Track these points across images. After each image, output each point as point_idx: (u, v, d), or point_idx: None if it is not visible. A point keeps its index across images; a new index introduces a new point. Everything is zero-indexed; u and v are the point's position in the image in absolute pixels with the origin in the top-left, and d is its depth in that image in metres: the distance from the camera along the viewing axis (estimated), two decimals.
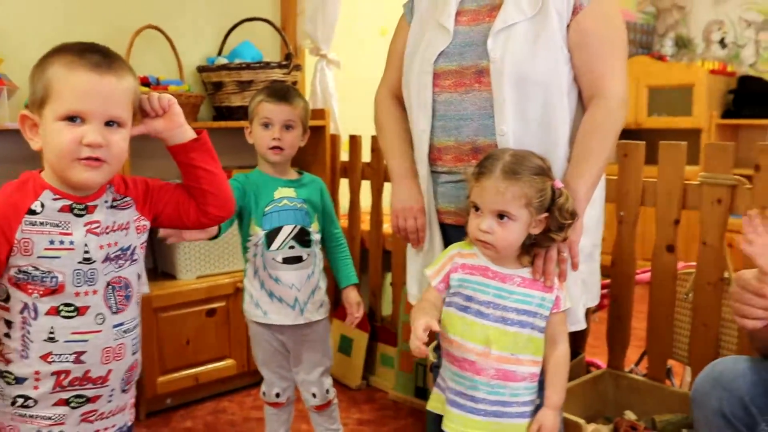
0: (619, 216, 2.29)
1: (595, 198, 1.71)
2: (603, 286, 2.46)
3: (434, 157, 1.77)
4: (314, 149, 3.18)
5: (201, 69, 3.11)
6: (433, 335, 1.59)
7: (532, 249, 1.57)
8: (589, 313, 2.43)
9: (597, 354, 2.83)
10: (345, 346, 3.17)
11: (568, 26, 1.66)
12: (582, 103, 1.70)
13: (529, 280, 1.57)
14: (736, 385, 1.49)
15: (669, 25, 5.59)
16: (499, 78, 1.65)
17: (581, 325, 1.76)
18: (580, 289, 1.74)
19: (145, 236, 1.45)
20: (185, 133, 1.44)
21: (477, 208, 1.54)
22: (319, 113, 3.21)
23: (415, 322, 1.46)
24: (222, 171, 1.48)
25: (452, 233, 1.77)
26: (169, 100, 1.42)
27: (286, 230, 2.06)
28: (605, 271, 2.34)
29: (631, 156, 2.25)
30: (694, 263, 2.16)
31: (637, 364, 2.57)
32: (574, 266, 1.62)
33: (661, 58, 5.29)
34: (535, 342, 1.58)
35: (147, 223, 1.45)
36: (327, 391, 2.22)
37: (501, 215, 1.50)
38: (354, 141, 3.17)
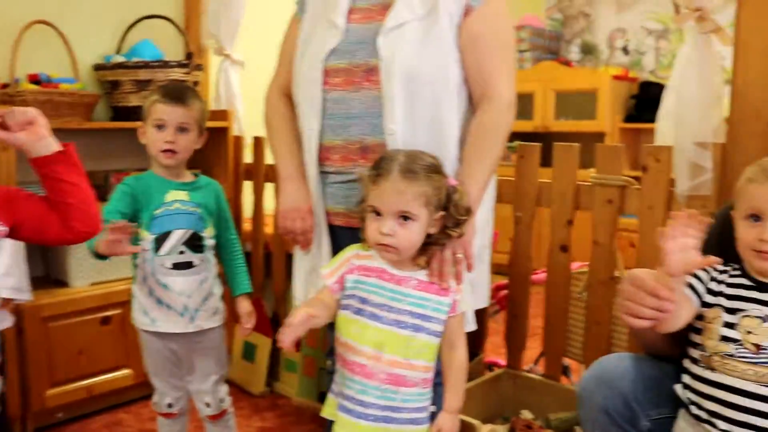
0: (516, 216, 2.31)
1: (484, 199, 1.72)
2: (501, 287, 2.49)
3: (323, 157, 1.74)
4: (217, 151, 3.11)
5: (97, 67, 2.99)
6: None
7: (427, 250, 1.56)
8: (488, 313, 2.45)
9: (502, 354, 2.86)
10: (248, 352, 3.11)
11: (459, 27, 1.66)
12: (472, 104, 1.71)
13: (425, 283, 1.56)
14: (618, 383, 1.51)
15: (575, 31, 5.73)
16: (388, 76, 1.64)
17: (471, 327, 1.76)
18: (469, 291, 1.74)
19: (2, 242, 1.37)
20: (49, 145, 1.38)
21: (377, 212, 1.51)
22: (223, 114, 3.14)
23: (296, 311, 1.43)
24: (88, 185, 1.44)
25: (341, 235, 1.74)
26: (33, 114, 1.36)
27: (177, 235, 1.98)
28: (503, 271, 2.37)
29: (527, 158, 2.27)
30: (588, 263, 2.20)
31: (536, 363, 2.60)
32: (469, 267, 1.62)
33: (567, 63, 5.43)
34: (430, 347, 1.56)
35: (5, 229, 1.37)
36: (222, 400, 2.15)
37: (403, 216, 1.48)
38: (258, 143, 3.10)
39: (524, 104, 5.36)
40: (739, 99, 1.81)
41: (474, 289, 1.78)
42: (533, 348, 2.59)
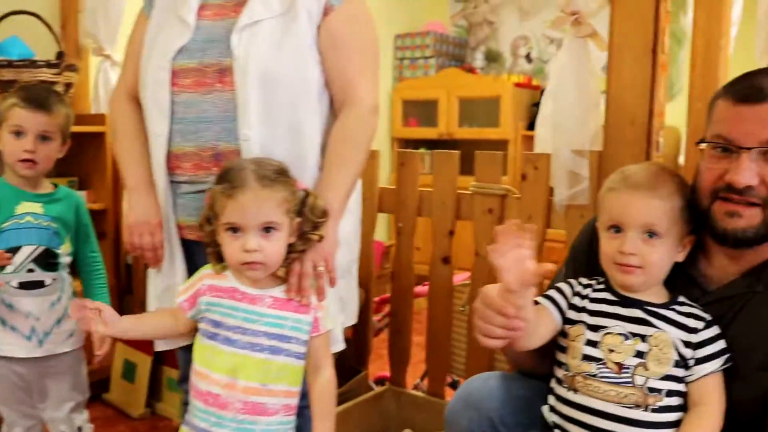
0: (397, 227, 2.22)
1: (351, 209, 1.62)
2: (383, 301, 2.39)
3: (173, 165, 1.59)
4: (94, 157, 2.90)
5: None
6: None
7: (286, 262, 1.44)
8: (372, 328, 2.34)
9: None
10: (128, 371, 2.90)
11: (318, 27, 1.56)
12: (334, 109, 1.60)
13: (282, 300, 1.44)
14: (484, 405, 1.43)
15: (480, 39, 5.73)
16: (242, 77, 1.51)
17: (341, 346, 1.64)
18: (338, 308, 1.63)
19: None
20: None
21: (235, 229, 1.38)
22: (100, 118, 2.93)
23: None
24: None
25: (196, 250, 1.60)
26: None
27: (26, 251, 1.80)
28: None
29: (408, 165, 2.18)
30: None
31: (422, 379, 2.51)
32: (332, 281, 1.50)
33: (471, 70, 5.41)
34: (291, 370, 1.44)
35: None
36: (80, 429, 1.97)
37: (265, 228, 1.37)
38: None
39: (429, 111, 5.31)
40: (614, 105, 1.76)
41: (344, 306, 1.66)
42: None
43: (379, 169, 2.29)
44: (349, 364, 2.37)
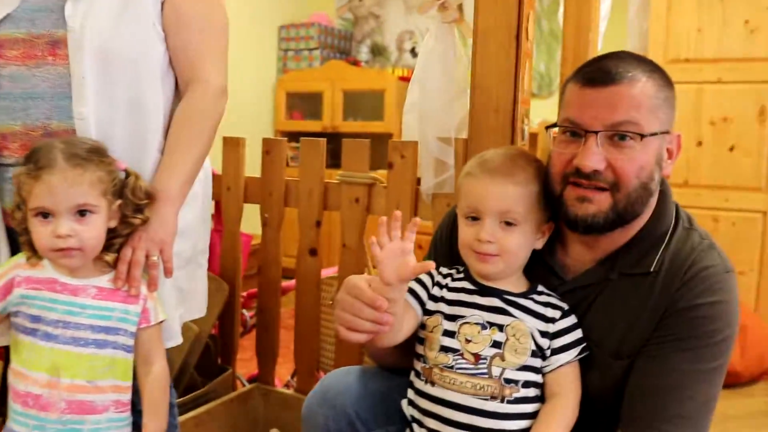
0: (263, 218, 2.12)
1: (197, 195, 1.52)
2: (252, 296, 2.28)
3: None
4: None
5: None
6: None
7: (111, 248, 1.34)
8: (237, 325, 2.23)
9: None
10: None
11: (163, 2, 1.44)
12: (180, 91, 1.49)
13: (108, 290, 1.33)
14: (341, 401, 1.36)
15: (365, 32, 5.68)
16: (77, 51, 1.38)
17: (177, 341, 1.53)
18: (176, 299, 1.52)
19: None
20: None
21: (45, 214, 1.25)
22: None
23: None
24: None
25: None
26: None
27: None
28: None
29: (274, 153, 2.09)
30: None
31: (293, 377, 2.42)
32: (168, 272, 1.39)
33: (356, 63, 5.35)
34: (120, 364, 1.34)
35: None
36: None
37: (80, 212, 1.26)
38: None
39: (313, 104, 5.22)
40: (478, 92, 1.72)
41: (185, 297, 1.55)
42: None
43: (250, 158, 2.18)
44: (215, 363, 2.25)
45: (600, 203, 1.19)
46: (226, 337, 2.22)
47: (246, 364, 2.75)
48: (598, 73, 1.18)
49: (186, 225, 1.47)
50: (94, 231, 1.28)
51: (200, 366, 2.16)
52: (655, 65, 1.22)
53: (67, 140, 1.30)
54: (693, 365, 1.17)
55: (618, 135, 1.16)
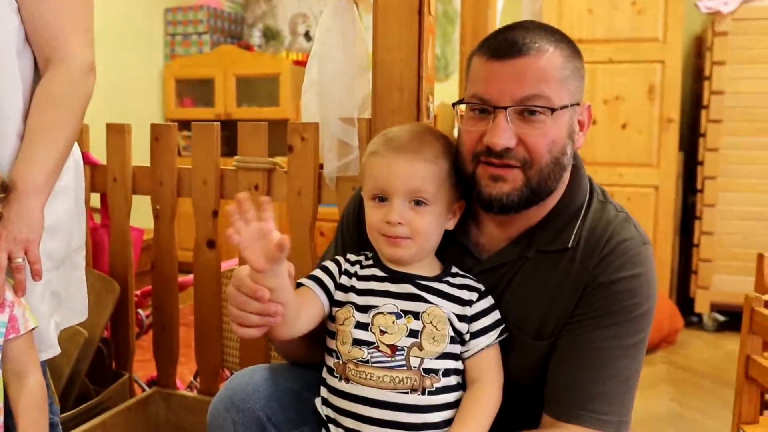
0: (155, 210, 1.97)
1: (67, 187, 1.37)
2: (146, 293, 2.14)
3: None
4: None
5: None
6: None
7: None
8: (132, 326, 2.08)
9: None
10: None
11: None
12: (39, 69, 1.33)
13: None
14: (250, 404, 1.25)
15: (257, 15, 5.51)
16: None
17: (54, 351, 1.38)
18: (51, 305, 1.37)
19: None
20: None
21: None
22: None
23: None
24: None
25: None
26: None
27: None
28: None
29: (163, 140, 1.94)
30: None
31: (195, 377, 2.28)
32: (36, 274, 1.25)
33: (248, 47, 5.18)
34: None
35: None
36: None
37: None
38: None
39: (205, 90, 5.02)
40: (381, 70, 1.64)
41: (61, 301, 1.40)
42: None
43: (136, 147, 2.02)
44: (110, 368, 2.09)
45: (513, 181, 1.14)
46: (120, 340, 2.06)
47: (145, 365, 2.59)
48: (504, 44, 1.12)
49: (57, 221, 1.32)
50: None
51: (93, 373, 2.00)
52: (561, 35, 1.17)
53: None
54: (614, 342, 1.15)
55: (528, 110, 1.11)
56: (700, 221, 3.75)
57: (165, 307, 2.01)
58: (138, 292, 2.17)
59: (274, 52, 5.32)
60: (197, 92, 5.10)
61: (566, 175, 1.20)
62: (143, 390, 2.23)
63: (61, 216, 1.36)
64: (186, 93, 5.11)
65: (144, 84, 4.95)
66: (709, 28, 3.73)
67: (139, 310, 2.25)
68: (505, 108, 1.11)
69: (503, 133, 1.11)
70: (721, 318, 3.77)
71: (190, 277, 2.05)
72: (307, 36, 5.38)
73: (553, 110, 1.11)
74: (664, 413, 2.73)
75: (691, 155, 4.00)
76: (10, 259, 1.21)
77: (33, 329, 1.25)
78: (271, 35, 5.45)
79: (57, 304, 1.38)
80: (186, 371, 2.54)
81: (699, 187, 3.76)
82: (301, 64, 5.01)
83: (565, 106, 1.13)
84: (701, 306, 3.76)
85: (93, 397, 1.93)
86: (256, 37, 5.41)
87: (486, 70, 1.14)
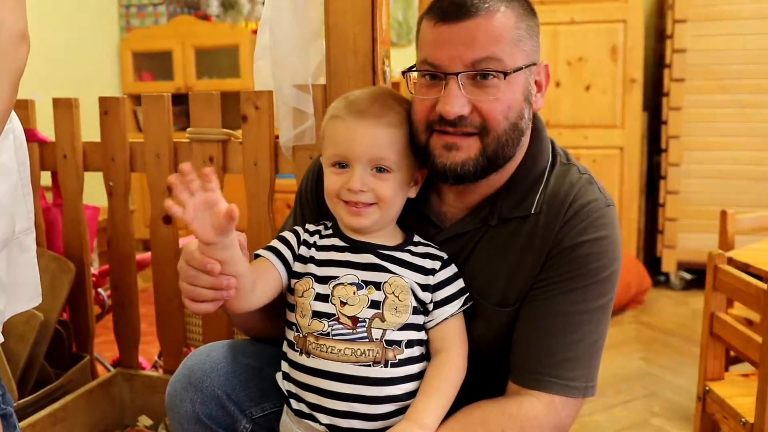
0: (108, 187, 1.90)
1: (7, 166, 1.30)
2: (104, 273, 2.08)
3: None
4: None
5: None
6: None
7: None
8: (91, 307, 2.02)
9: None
10: None
11: None
12: None
13: None
14: (208, 382, 1.22)
15: None
16: None
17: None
18: None
19: None
20: None
21: None
22: None
23: None
24: None
25: None
26: None
27: None
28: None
29: (113, 114, 1.87)
30: None
31: (160, 357, 2.24)
32: None
33: (206, 18, 5.05)
34: None
35: None
36: None
37: None
38: None
39: (163, 63, 4.89)
40: (334, 34, 1.59)
41: (4, 288, 1.33)
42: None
43: (86, 124, 1.95)
44: (69, 350, 2.03)
45: (469, 149, 1.10)
46: (80, 321, 2.00)
47: (111, 346, 2.54)
48: (452, 6, 1.07)
49: None
50: None
51: (52, 356, 1.94)
52: None
53: None
54: (580, 305, 1.13)
55: (480, 74, 1.07)
56: (665, 181, 3.76)
57: (123, 285, 1.95)
58: (96, 272, 2.11)
59: (233, 21, 5.19)
60: (155, 65, 4.97)
61: (525, 139, 1.17)
62: (108, 370, 2.18)
63: (2, 197, 1.28)
64: (144, 67, 4.98)
65: (99, 58, 4.81)
66: None
67: (100, 290, 2.19)
68: (457, 74, 1.06)
69: (456, 101, 1.07)
70: (688, 276, 3.81)
71: (149, 254, 2.00)
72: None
73: (506, 74, 1.07)
74: (633, 372, 2.76)
75: (654, 115, 4.01)
76: None
77: None
78: (229, 4, 5.32)
79: (0, 289, 1.31)
80: (154, 350, 2.49)
81: (663, 146, 3.77)
82: None
83: (520, 68, 1.08)
84: (668, 265, 3.79)
85: (53, 381, 1.88)
86: (213, 7, 5.27)
87: (434, 34, 1.09)
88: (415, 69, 1.14)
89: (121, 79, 4.95)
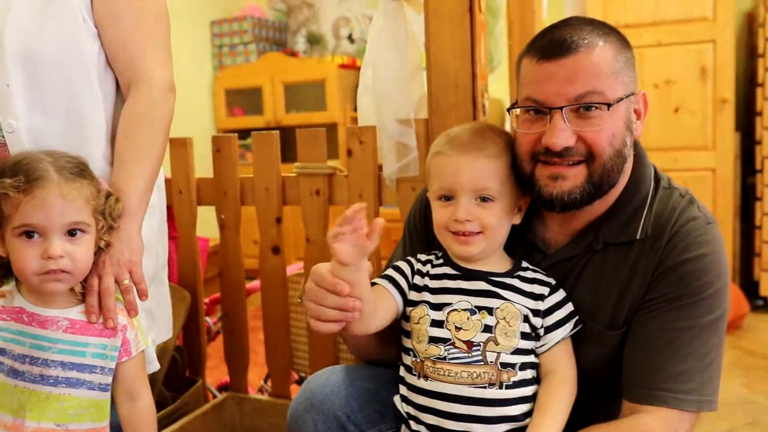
0: (220, 220, 2.02)
1: (153, 205, 1.41)
2: (214, 301, 2.19)
3: None
4: None
5: None
6: None
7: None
8: (203, 333, 2.13)
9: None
10: None
11: None
12: (122, 93, 1.38)
13: (82, 323, 1.20)
14: (329, 404, 1.28)
15: (300, 22, 5.56)
16: None
17: (154, 366, 1.43)
18: (147, 323, 1.41)
19: None
20: None
21: (31, 234, 1.13)
22: None
23: None
24: None
25: None
26: None
27: None
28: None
29: (224, 151, 1.99)
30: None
31: (266, 381, 2.33)
32: (142, 294, 1.28)
33: (294, 54, 5.24)
34: (97, 405, 1.22)
35: None
36: None
37: (70, 231, 1.14)
38: None
39: (253, 99, 5.10)
40: (435, 69, 1.66)
41: (154, 318, 1.45)
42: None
43: (195, 159, 2.08)
44: (184, 375, 2.15)
45: (575, 178, 1.15)
46: (193, 347, 2.11)
47: (212, 372, 2.65)
48: (553, 44, 1.12)
49: (146, 239, 1.35)
50: (85, 252, 1.17)
51: (168, 380, 2.06)
52: (609, 27, 1.18)
53: (50, 152, 1.18)
54: (687, 322, 1.14)
55: (584, 107, 1.11)
56: (761, 202, 3.66)
57: (234, 313, 2.06)
58: (207, 300, 2.23)
59: (319, 56, 5.37)
60: (247, 101, 5.18)
61: (628, 166, 1.20)
62: (214, 396, 2.28)
63: (150, 235, 1.40)
64: (236, 102, 5.20)
65: (195, 96, 5.05)
66: (761, 4, 3.64)
67: (207, 318, 2.31)
68: (561, 108, 1.11)
69: (561, 133, 1.12)
70: None
71: (256, 283, 2.10)
72: (351, 39, 5.42)
73: (609, 105, 1.11)
74: (734, 399, 2.69)
75: (748, 135, 3.91)
76: (117, 282, 1.23)
77: (143, 350, 1.27)
78: (314, 40, 5.51)
79: (151, 320, 1.42)
80: (252, 375, 2.59)
81: (758, 167, 3.68)
82: (347, 67, 5.05)
83: (620, 99, 1.13)
84: (766, 289, 3.68)
85: (170, 404, 1.98)
86: (300, 43, 5.47)
87: (537, 72, 1.14)
88: (518, 106, 1.20)
89: (215, 115, 5.18)
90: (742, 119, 3.99)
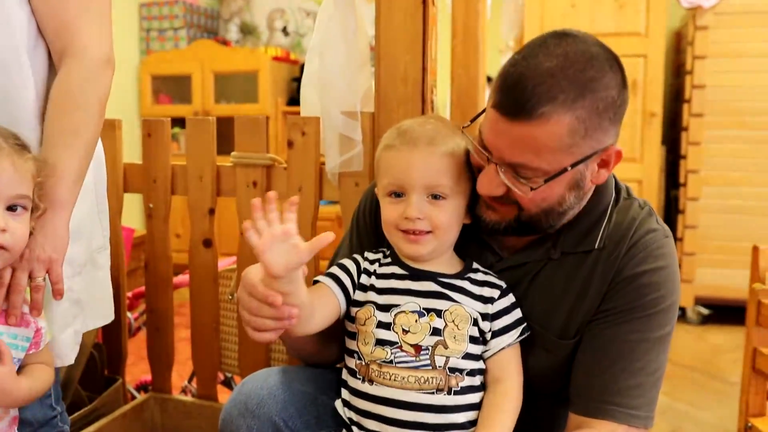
0: (147, 209, 1.90)
1: (87, 186, 1.29)
2: (137, 295, 2.07)
3: None
4: None
5: None
6: None
7: None
8: (125, 329, 2.01)
9: None
10: None
11: None
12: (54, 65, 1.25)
13: None
14: (265, 409, 1.20)
15: (233, 11, 5.42)
16: None
17: (70, 359, 1.32)
18: (72, 313, 1.30)
19: None
20: None
21: None
22: None
23: None
24: None
25: None
26: None
27: None
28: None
29: (156, 136, 1.87)
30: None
31: (190, 380, 2.22)
32: (57, 294, 1.18)
33: (225, 43, 5.09)
34: None
35: None
36: None
37: (13, 206, 1.07)
38: None
39: (182, 87, 4.93)
40: (384, 62, 1.60)
41: (83, 307, 1.33)
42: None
43: (123, 143, 1.95)
44: (102, 374, 2.02)
45: (506, 213, 1.13)
46: (113, 344, 1.99)
47: (131, 370, 2.52)
48: (510, 101, 1.03)
49: (77, 224, 1.23)
50: (25, 231, 1.08)
51: (85, 379, 1.93)
52: (594, 83, 1.04)
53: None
54: (640, 335, 1.13)
55: (515, 171, 1.07)
56: (684, 215, 3.77)
57: (160, 309, 1.94)
58: (130, 294, 2.11)
59: (252, 47, 5.24)
60: (174, 89, 5.00)
61: (582, 201, 1.15)
62: (133, 396, 2.16)
63: (82, 218, 1.28)
64: (162, 89, 5.01)
65: (119, 80, 4.81)
66: (689, 22, 3.75)
67: (128, 313, 2.18)
68: (496, 163, 1.07)
69: (490, 184, 1.09)
70: (705, 311, 3.80)
71: (182, 278, 1.99)
72: (285, 31, 5.32)
73: (545, 179, 1.05)
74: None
75: (673, 149, 4.03)
76: (31, 278, 1.12)
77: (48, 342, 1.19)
78: (247, 30, 5.38)
79: (78, 311, 1.31)
80: (175, 375, 2.47)
81: (682, 180, 3.78)
82: (281, 60, 4.95)
83: (565, 170, 1.05)
84: (685, 300, 3.78)
85: (86, 404, 1.86)
86: (232, 32, 5.33)
87: (490, 116, 1.07)
88: (472, 124, 1.16)
89: (139, 102, 4.98)
90: (668, 133, 4.11)
